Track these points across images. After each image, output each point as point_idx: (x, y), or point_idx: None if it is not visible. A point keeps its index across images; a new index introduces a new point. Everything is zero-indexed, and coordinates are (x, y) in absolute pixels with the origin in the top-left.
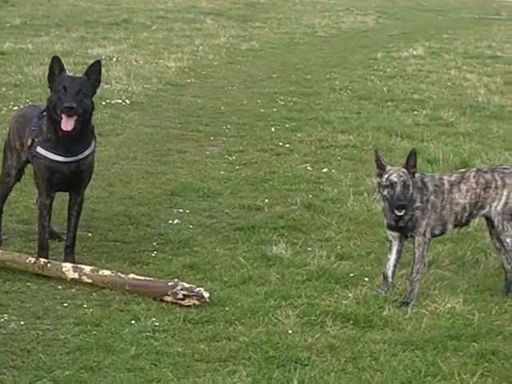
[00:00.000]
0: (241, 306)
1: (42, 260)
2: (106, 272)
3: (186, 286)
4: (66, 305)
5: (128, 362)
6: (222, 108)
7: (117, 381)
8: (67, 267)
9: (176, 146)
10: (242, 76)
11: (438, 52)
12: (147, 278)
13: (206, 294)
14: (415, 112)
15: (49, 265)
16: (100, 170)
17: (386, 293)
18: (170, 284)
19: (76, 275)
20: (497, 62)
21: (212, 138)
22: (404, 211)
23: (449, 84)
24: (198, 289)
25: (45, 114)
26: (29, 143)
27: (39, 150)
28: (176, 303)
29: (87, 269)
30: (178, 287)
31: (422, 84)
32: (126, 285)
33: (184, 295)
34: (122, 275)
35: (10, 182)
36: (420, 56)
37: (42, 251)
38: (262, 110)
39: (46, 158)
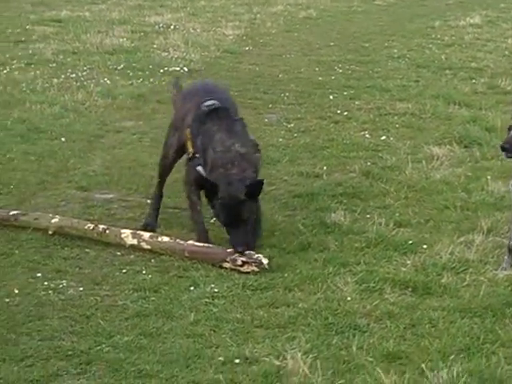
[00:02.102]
0: (300, 272)
1: (101, 226)
2: (165, 238)
3: (245, 252)
4: (124, 271)
5: (187, 328)
6: (280, 76)
7: (176, 347)
8: (126, 233)
9: None
10: (299, 44)
11: (495, 21)
12: (206, 245)
13: (265, 261)
14: (473, 80)
15: (107, 231)
16: (159, 137)
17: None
18: (228, 250)
19: (135, 241)
20: None
21: (270, 106)
22: None
23: (506, 53)
24: (256, 255)
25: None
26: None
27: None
28: (235, 269)
29: (146, 235)
30: (237, 254)
31: (480, 53)
32: (185, 251)
33: (243, 261)
34: (181, 242)
35: (167, 163)
36: (477, 25)
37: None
38: (319, 78)
39: None
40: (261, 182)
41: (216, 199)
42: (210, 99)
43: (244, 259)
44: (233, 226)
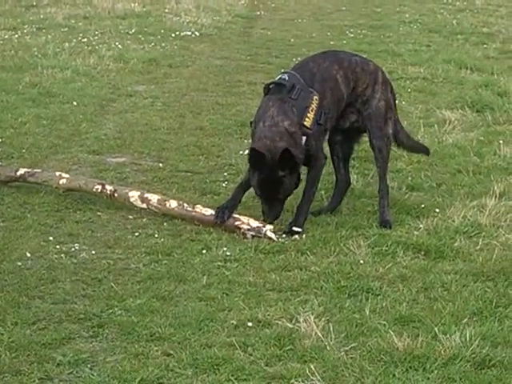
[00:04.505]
0: (312, 235)
1: (109, 188)
2: (173, 204)
3: (254, 225)
4: (136, 234)
5: (199, 292)
6: (292, 40)
7: (188, 310)
8: (135, 197)
9: (246, 77)
10: (311, 9)
11: None
12: (214, 213)
13: (274, 236)
14: (485, 45)
15: (116, 194)
16: (170, 101)
17: None
18: (236, 223)
19: (144, 205)
20: None
21: (282, 70)
22: None
23: None
24: (265, 229)
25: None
26: None
27: None
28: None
29: (154, 199)
30: (245, 226)
31: (491, 18)
32: (194, 219)
33: (252, 236)
34: (189, 208)
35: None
36: None
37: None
38: (331, 43)
39: None
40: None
41: None
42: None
43: (253, 233)
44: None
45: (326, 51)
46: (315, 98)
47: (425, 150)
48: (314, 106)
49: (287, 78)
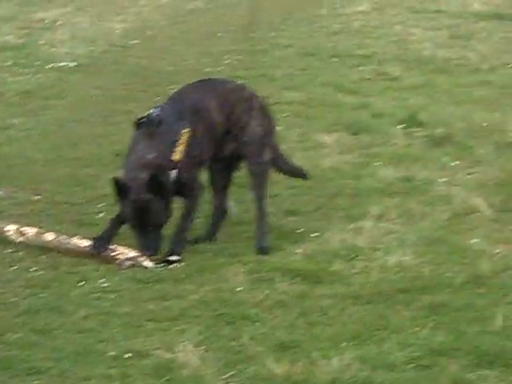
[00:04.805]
0: (190, 264)
1: None
2: (50, 237)
3: (131, 255)
4: (14, 268)
5: (78, 324)
6: (168, 68)
7: (67, 342)
8: (11, 231)
9: (122, 107)
10: (186, 36)
11: (383, 7)
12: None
13: (151, 266)
14: (361, 67)
15: None
16: (47, 132)
17: None
18: (113, 254)
19: (21, 239)
20: (441, 16)
21: (157, 99)
22: None
23: (394, 39)
24: (142, 259)
25: None
26: None
27: None
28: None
29: (31, 232)
30: (123, 256)
31: (368, 39)
32: (71, 251)
33: (130, 266)
34: (66, 240)
35: None
36: (365, 11)
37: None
38: (208, 69)
39: None
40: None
41: None
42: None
43: (132, 262)
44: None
45: (200, 81)
46: (185, 131)
47: (303, 175)
48: (183, 139)
49: (157, 113)
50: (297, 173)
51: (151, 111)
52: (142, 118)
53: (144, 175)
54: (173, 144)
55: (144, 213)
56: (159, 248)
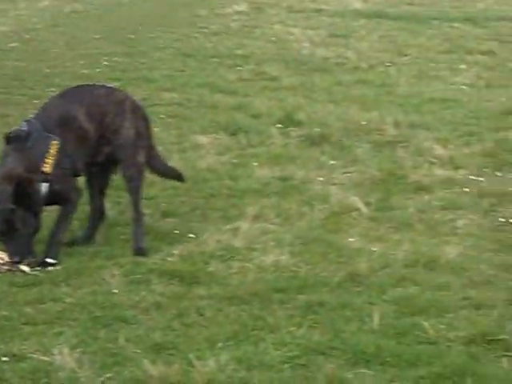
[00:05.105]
0: (66, 267)
1: None
2: None
3: (7, 259)
4: None
5: None
6: (46, 71)
7: None
8: None
9: (1, 110)
10: (65, 38)
11: (262, 7)
12: None
13: (28, 269)
14: (239, 68)
15: None
16: None
17: None
18: None
19: None
20: (321, 15)
21: (35, 101)
22: None
23: (273, 39)
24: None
25: None
26: None
27: None
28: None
29: None
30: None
31: (246, 40)
32: None
33: (6, 270)
34: None
35: None
36: (244, 12)
37: None
38: (85, 71)
39: None
40: None
41: None
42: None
43: (8, 267)
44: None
45: (68, 89)
46: (54, 142)
47: (179, 176)
48: (53, 151)
49: (25, 127)
50: (173, 174)
51: (20, 125)
52: (10, 132)
53: (9, 188)
54: (42, 156)
55: (8, 223)
56: (29, 254)
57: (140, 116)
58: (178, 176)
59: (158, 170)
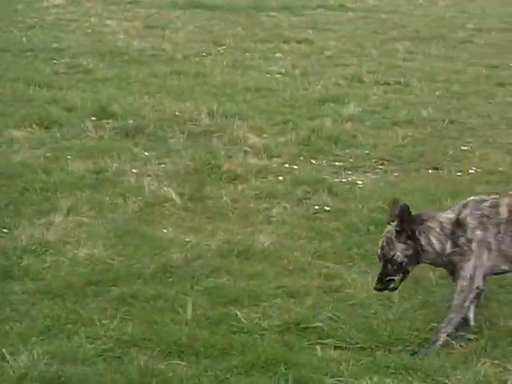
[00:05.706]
0: None
1: None
2: None
3: None
4: None
5: None
6: None
7: None
8: None
9: None
10: None
11: (79, 0)
12: None
13: None
14: (54, 61)
15: None
16: None
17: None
18: None
19: None
20: (137, 6)
21: None
22: None
23: (88, 31)
24: None
25: None
26: None
27: None
28: None
29: None
30: None
31: (62, 33)
32: None
33: None
34: None
35: None
36: (61, 5)
37: None
38: None
39: None
40: None
41: None
42: None
43: None
44: None
45: None
46: None
47: None
48: None
49: None
50: None
51: None
52: None
53: None
54: None
55: None
56: None
57: None
58: None
59: None
